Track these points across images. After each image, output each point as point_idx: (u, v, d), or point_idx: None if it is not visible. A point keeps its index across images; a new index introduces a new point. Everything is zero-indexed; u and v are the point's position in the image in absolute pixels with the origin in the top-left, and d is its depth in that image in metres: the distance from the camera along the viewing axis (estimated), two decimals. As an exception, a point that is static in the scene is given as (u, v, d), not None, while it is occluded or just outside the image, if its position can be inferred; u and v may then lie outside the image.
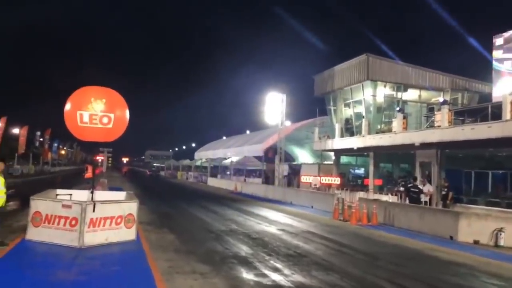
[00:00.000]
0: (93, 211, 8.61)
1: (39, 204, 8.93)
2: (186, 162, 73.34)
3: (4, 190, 8.50)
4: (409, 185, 16.29)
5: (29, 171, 45.75)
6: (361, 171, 28.50)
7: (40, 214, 8.77)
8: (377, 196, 19.62)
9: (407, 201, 15.85)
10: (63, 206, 8.72)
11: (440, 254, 10.17)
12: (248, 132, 54.83)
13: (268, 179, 34.01)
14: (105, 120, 9.79)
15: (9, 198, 8.65)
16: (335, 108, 26.99)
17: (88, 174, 15.45)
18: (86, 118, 9.69)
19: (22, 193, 8.90)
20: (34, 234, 8.76)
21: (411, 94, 24.42)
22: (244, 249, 9.54)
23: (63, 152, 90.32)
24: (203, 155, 57.19)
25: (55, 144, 68.36)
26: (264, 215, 17.21)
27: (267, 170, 35.81)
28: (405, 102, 24.05)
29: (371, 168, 23.42)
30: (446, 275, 8.07)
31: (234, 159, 45.36)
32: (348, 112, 26.16)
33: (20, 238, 8.87)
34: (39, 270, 6.80)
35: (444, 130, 17.75)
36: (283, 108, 29.58)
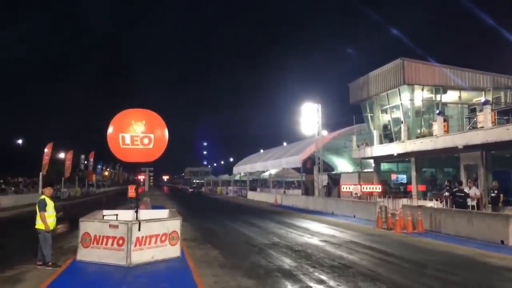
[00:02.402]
0: (139, 230, 8.86)
1: (87, 226, 9.28)
2: (225, 177, 73.91)
3: (54, 213, 8.88)
4: (455, 190, 15.78)
5: (75, 193, 47.47)
6: (403, 177, 27.84)
7: (89, 235, 9.10)
8: (421, 202, 19.10)
9: (453, 206, 15.35)
10: (110, 226, 9.02)
11: (491, 260, 9.78)
12: (285, 144, 54.80)
13: (308, 190, 33.79)
14: (145, 141, 10.10)
15: (58, 220, 9.01)
16: (372, 115, 26.60)
17: (131, 193, 15.88)
18: (128, 140, 10.03)
19: (70, 216, 9.26)
20: (84, 254, 9.09)
21: (451, 96, 23.73)
22: (287, 262, 9.51)
23: (106, 173, 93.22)
24: (242, 169, 57.54)
25: (99, 166, 70.72)
26: (305, 226, 17.09)
27: (306, 181, 35.60)
28: (444, 104, 23.39)
29: (413, 174, 22.84)
30: (499, 282, 7.76)
31: (273, 171, 45.38)
32: (385, 118, 25.71)
33: (71, 259, 9.22)
34: (91, 290, 7.03)
35: (488, 130, 17.12)
36: (319, 118, 29.44)
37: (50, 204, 8.84)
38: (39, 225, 8.68)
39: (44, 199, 8.82)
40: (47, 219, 8.72)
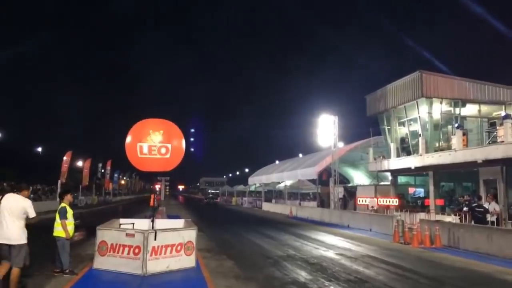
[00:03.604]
0: (155, 239, 8.90)
1: (104, 234, 9.37)
2: (240, 187, 73.92)
3: (73, 221, 9.00)
4: (474, 205, 15.49)
5: (92, 201, 48.02)
6: (420, 191, 27.46)
7: (106, 243, 9.18)
8: (439, 217, 18.78)
9: (472, 222, 15.06)
10: (127, 235, 9.08)
11: (511, 278, 9.57)
12: (300, 155, 54.64)
13: (323, 202, 33.55)
14: (163, 150, 10.23)
15: (75, 228, 9.13)
16: (389, 127, 26.39)
17: (153, 202, 16.25)
18: (145, 150, 10.18)
19: (87, 223, 9.37)
20: (101, 263, 9.16)
21: (470, 109, 23.41)
22: (303, 275, 9.44)
23: (123, 182, 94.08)
24: (257, 180, 57.49)
25: (116, 175, 71.45)
26: (321, 239, 16.96)
27: (322, 193, 35.37)
28: (463, 118, 23.07)
29: (431, 188, 22.52)
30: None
31: (288, 183, 45.21)
32: (403, 131, 25.48)
33: (88, 267, 9.30)
34: (107, 298, 7.08)
35: (509, 145, 16.81)
36: (336, 129, 29.32)
37: (69, 212, 8.98)
38: (59, 232, 8.78)
39: (65, 207, 8.95)
40: (58, 227, 8.81)
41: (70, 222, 8.89)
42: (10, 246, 6.74)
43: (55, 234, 8.83)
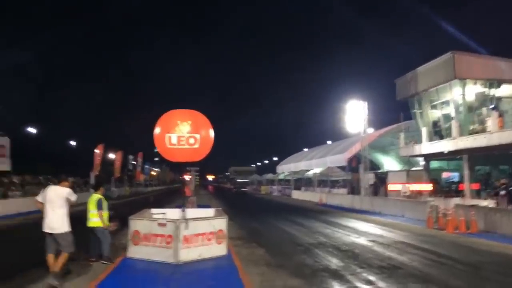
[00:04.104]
0: (186, 228, 8.99)
1: (137, 224, 9.54)
2: (269, 176, 73.94)
3: (108, 212, 9.25)
4: (511, 188, 14.98)
5: (125, 193, 49.07)
6: (454, 175, 26.76)
7: (139, 233, 9.34)
8: (474, 201, 18.26)
9: (510, 206, 14.57)
10: (159, 224, 9.22)
11: (555, 263, 9.21)
12: (329, 142, 54.12)
13: (354, 189, 33.17)
14: (191, 140, 10.24)
15: (109, 219, 9.36)
16: (420, 111, 25.74)
17: (188, 192, 16.65)
18: (174, 140, 10.22)
19: (120, 214, 9.55)
20: (134, 252, 9.34)
21: (506, 90, 22.52)
22: (334, 262, 9.35)
23: (153, 173, 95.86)
24: (286, 168, 57.38)
25: (146, 166, 72.78)
26: (352, 226, 16.79)
27: (352, 180, 34.96)
28: (499, 98, 22.25)
29: (466, 172, 21.89)
30: None
31: (317, 170, 44.91)
32: (435, 114, 24.80)
33: (122, 256, 9.50)
34: (141, 286, 7.23)
35: (548, 125, 16.13)
36: (365, 115, 28.83)
37: (104, 203, 9.22)
38: (95, 223, 9.07)
39: (101, 198, 9.23)
40: (95, 217, 9.11)
41: (105, 213, 9.14)
42: (54, 235, 7.19)
43: (90, 224, 9.10)
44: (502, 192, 15.92)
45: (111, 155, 50.33)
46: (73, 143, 54.85)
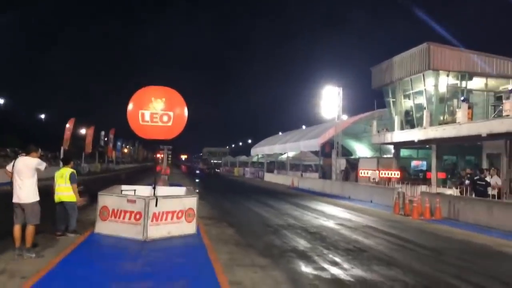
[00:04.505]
0: (156, 205, 8.94)
1: (106, 199, 9.43)
2: (243, 158, 74.17)
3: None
4: (476, 178, 15.48)
5: (95, 169, 48.31)
6: (422, 164, 27.46)
7: (107, 208, 9.24)
8: (440, 190, 18.82)
9: (473, 195, 15.08)
10: (128, 201, 9.13)
11: (510, 250, 9.63)
12: (304, 127, 54.52)
13: (325, 173, 33.66)
14: (165, 118, 10.11)
15: (79, 194, 9.23)
16: (394, 100, 26.15)
17: (166, 171, 16.65)
18: (147, 117, 10.06)
19: (89, 190, 9.43)
20: (102, 227, 9.25)
21: (477, 83, 23.09)
22: (302, 243, 9.51)
23: (126, 150, 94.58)
24: (260, 151, 57.59)
25: (119, 143, 71.67)
26: (321, 209, 17.07)
27: (324, 165, 35.43)
28: (470, 91, 22.78)
29: (434, 161, 22.48)
30: (519, 272, 7.61)
31: (291, 154, 45.28)
32: (408, 104, 25.25)
33: (90, 231, 9.40)
34: (108, 261, 7.17)
35: (514, 119, 16.65)
36: (340, 101, 29.13)
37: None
38: (69, 197, 8.98)
39: (74, 172, 9.15)
40: (65, 191, 9.01)
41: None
42: (21, 205, 7.10)
43: (63, 198, 8.98)
44: (467, 182, 16.43)
45: (83, 130, 49.35)
46: (42, 116, 53.43)
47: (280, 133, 60.65)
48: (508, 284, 6.72)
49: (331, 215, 15.18)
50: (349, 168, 31.13)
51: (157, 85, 10.99)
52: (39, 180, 7.43)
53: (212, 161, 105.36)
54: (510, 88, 20.18)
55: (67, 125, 37.97)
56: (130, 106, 10.30)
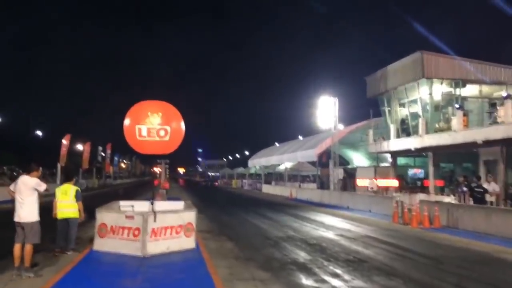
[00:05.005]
0: (154, 221, 8.92)
1: (104, 216, 9.39)
2: (240, 170, 74.08)
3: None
4: (473, 185, 15.52)
5: (93, 185, 48.10)
6: (419, 172, 27.49)
7: (106, 225, 9.20)
8: (438, 197, 18.83)
9: (471, 202, 15.11)
10: (126, 217, 9.10)
11: (509, 256, 9.67)
12: (300, 137, 54.59)
13: (323, 184, 33.65)
14: (162, 133, 10.17)
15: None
16: (389, 108, 26.29)
17: (166, 185, 16.64)
18: (144, 132, 10.12)
19: (87, 206, 9.41)
20: (101, 244, 9.20)
21: (471, 90, 23.27)
22: (302, 255, 9.48)
23: (123, 165, 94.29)
24: (257, 162, 57.55)
25: (116, 158, 71.43)
26: (320, 220, 17.03)
27: (322, 175, 35.45)
28: (464, 98, 22.94)
29: (431, 169, 22.54)
30: (519, 279, 7.61)
31: (288, 165, 45.25)
32: (403, 112, 25.38)
33: (88, 248, 9.35)
34: (107, 279, 7.13)
35: (509, 126, 16.75)
36: (336, 111, 29.22)
37: (72, 194, 9.13)
38: (72, 213, 9.03)
39: (79, 189, 9.29)
40: (70, 208, 9.02)
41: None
42: (22, 224, 7.13)
43: (67, 215, 9.00)
44: (464, 189, 16.47)
45: (79, 146, 49.22)
46: (38, 132, 53.32)
47: (277, 144, 60.68)
48: (508, 292, 6.73)
49: (330, 226, 15.15)
50: (346, 177, 31.14)
51: (152, 99, 11.06)
52: (42, 196, 7.48)
53: (209, 173, 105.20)
54: (504, 95, 20.34)
55: (63, 141, 37.89)
56: (126, 121, 10.34)
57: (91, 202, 10.25)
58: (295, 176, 45.37)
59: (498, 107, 19.38)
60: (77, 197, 9.10)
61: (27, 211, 7.15)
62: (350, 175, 31.09)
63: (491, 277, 7.69)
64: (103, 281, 7.00)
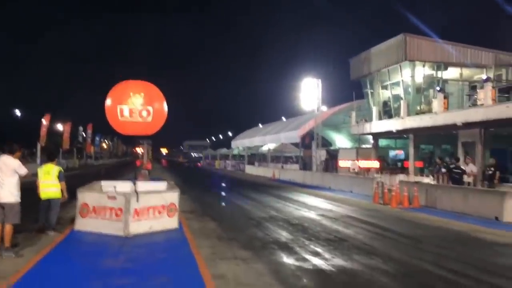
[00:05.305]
0: (137, 201, 8.91)
1: (86, 196, 9.35)
2: (224, 151, 73.98)
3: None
4: (452, 166, 15.86)
5: (74, 165, 47.55)
6: (401, 153, 27.91)
7: (87, 205, 9.17)
8: (418, 178, 19.21)
9: (450, 183, 15.46)
10: (109, 197, 9.07)
11: (485, 236, 9.92)
12: (284, 119, 54.67)
13: (306, 165, 33.93)
14: (144, 113, 10.00)
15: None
16: (372, 91, 26.45)
17: (149, 166, 16.51)
18: (126, 113, 9.93)
19: (68, 186, 9.31)
20: (83, 224, 9.18)
21: (452, 73, 23.54)
22: (284, 235, 9.61)
23: (104, 145, 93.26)
24: (240, 143, 57.56)
25: (97, 138, 70.61)
26: (302, 201, 17.23)
27: (305, 156, 35.69)
28: (445, 81, 23.21)
29: (411, 150, 22.90)
30: (492, 256, 7.87)
31: (271, 146, 45.40)
32: (386, 95, 25.58)
33: (70, 228, 9.32)
34: (89, 259, 7.12)
35: (488, 108, 17.08)
36: (319, 93, 29.31)
37: (55, 173, 9.07)
38: (55, 193, 8.95)
39: (62, 170, 9.20)
40: (53, 187, 8.95)
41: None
42: (2, 204, 7.09)
43: (50, 195, 8.93)
44: (443, 170, 16.81)
45: (59, 126, 48.44)
46: (17, 112, 52.23)
47: (260, 125, 60.67)
48: (483, 270, 6.94)
49: (312, 206, 15.34)
50: (329, 159, 31.45)
51: (135, 79, 10.87)
52: (23, 177, 7.39)
53: (193, 154, 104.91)
54: (484, 78, 20.65)
55: (43, 121, 37.25)
56: (108, 102, 10.14)
57: (72, 182, 10.14)
58: (278, 157, 45.62)
59: (478, 90, 19.69)
60: (60, 177, 9.02)
61: (7, 191, 7.09)
62: (333, 156, 31.40)
63: (468, 256, 7.92)
64: (85, 261, 7.00)
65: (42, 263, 6.70)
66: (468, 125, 17.97)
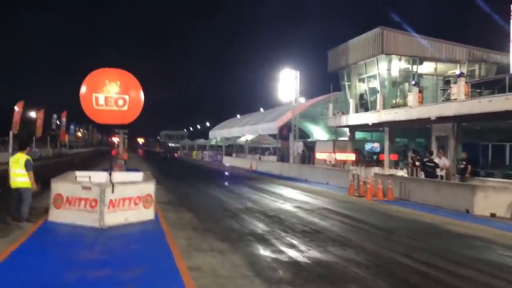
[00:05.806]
0: (112, 192, 8.80)
1: (59, 186, 9.18)
2: (201, 141, 73.64)
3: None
4: (425, 160, 16.20)
5: (47, 154, 46.55)
6: (377, 146, 28.35)
7: (61, 196, 9.01)
8: (392, 171, 19.57)
9: (423, 176, 15.80)
10: (83, 188, 8.93)
11: (456, 228, 10.19)
12: (262, 110, 54.71)
13: (283, 156, 34.12)
14: (120, 102, 9.85)
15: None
16: (349, 83, 26.71)
17: (124, 156, 16.26)
18: (101, 101, 9.76)
19: (42, 176, 9.14)
20: (57, 215, 9.02)
21: (427, 67, 23.98)
22: (260, 227, 9.67)
23: (79, 134, 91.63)
24: (218, 134, 57.43)
25: (72, 127, 69.31)
26: (279, 192, 17.34)
27: (282, 148, 35.89)
28: (420, 75, 23.65)
29: (386, 144, 23.28)
30: (462, 249, 8.10)
31: (249, 137, 45.45)
32: (362, 87, 25.87)
33: (43, 219, 9.15)
34: (63, 250, 7.02)
35: (461, 103, 17.47)
36: (297, 85, 29.39)
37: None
38: (24, 183, 8.73)
39: (30, 159, 8.93)
40: (21, 177, 8.75)
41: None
42: None
43: (19, 185, 8.74)
44: (417, 163, 17.16)
45: (33, 114, 47.28)
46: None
47: (239, 116, 60.63)
48: (453, 261, 7.14)
49: (288, 198, 15.46)
50: (306, 151, 31.70)
51: (111, 67, 10.67)
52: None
53: (170, 144, 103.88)
54: (457, 73, 21.09)
55: (16, 108, 36.28)
56: (83, 89, 9.94)
57: (45, 172, 9.94)
58: (255, 149, 45.66)
59: (451, 85, 20.11)
60: (27, 166, 8.78)
61: None
62: (310, 148, 31.67)
63: (439, 248, 8.13)
64: (59, 252, 6.89)
65: (14, 255, 6.57)
66: (441, 119, 18.36)
